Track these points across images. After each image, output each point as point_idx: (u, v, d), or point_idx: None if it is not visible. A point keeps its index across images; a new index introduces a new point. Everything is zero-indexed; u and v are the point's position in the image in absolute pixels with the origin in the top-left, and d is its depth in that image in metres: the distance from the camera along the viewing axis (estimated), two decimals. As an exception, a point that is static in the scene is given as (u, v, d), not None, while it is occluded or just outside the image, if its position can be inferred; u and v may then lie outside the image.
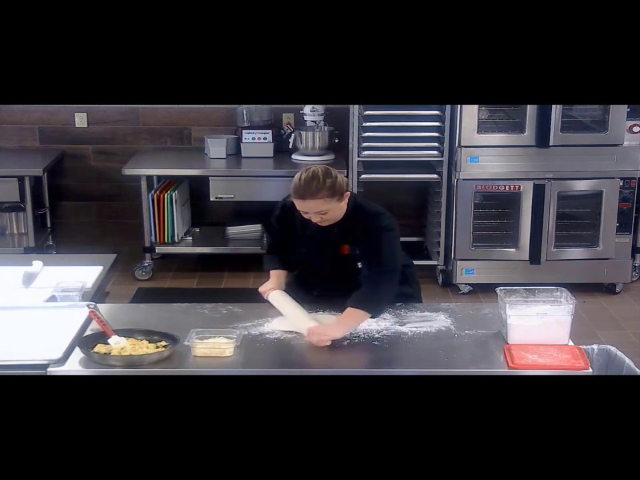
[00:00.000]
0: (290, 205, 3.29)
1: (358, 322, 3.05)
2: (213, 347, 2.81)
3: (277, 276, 3.39)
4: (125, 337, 2.85)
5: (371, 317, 3.09)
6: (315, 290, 3.40)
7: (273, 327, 3.06)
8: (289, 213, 3.33)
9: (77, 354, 2.78)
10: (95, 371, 2.70)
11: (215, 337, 2.86)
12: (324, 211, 3.13)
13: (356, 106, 5.45)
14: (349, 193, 3.20)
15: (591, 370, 2.72)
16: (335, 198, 3.12)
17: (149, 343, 2.85)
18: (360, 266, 3.23)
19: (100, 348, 2.80)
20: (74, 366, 2.73)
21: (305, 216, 3.18)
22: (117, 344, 2.80)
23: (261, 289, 3.34)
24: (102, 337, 2.85)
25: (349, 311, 3.05)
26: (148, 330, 2.92)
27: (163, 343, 2.84)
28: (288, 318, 3.09)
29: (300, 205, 3.15)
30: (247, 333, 2.98)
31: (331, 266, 3.33)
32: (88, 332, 2.93)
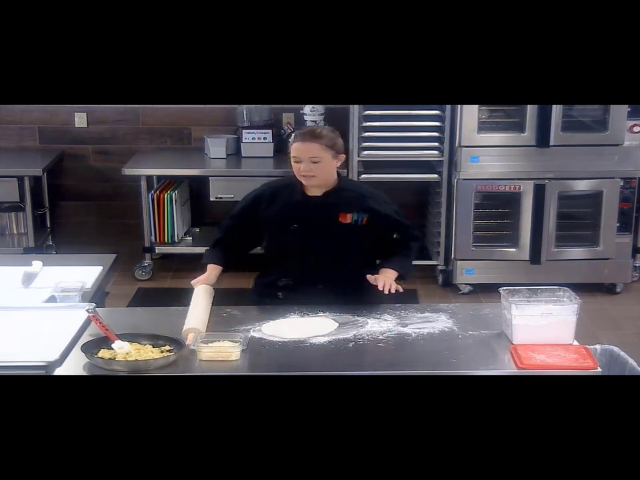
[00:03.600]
0: (262, 190, 3.44)
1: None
2: (220, 351, 2.78)
3: (213, 269, 3.39)
4: (128, 341, 2.81)
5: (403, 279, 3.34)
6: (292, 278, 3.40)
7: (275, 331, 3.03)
8: (267, 196, 3.40)
9: (78, 357, 2.75)
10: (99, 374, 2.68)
11: (219, 341, 2.83)
12: (317, 159, 3.24)
13: (356, 106, 5.44)
14: (344, 156, 3.37)
15: (600, 369, 2.71)
16: (332, 152, 3.28)
17: (153, 347, 2.80)
18: (395, 236, 3.45)
19: (104, 353, 2.75)
20: (76, 370, 2.70)
21: (295, 167, 3.28)
22: (121, 349, 2.77)
23: (193, 282, 3.33)
24: (104, 342, 2.81)
25: (387, 270, 3.29)
26: (151, 334, 2.88)
27: (167, 348, 2.80)
28: (192, 312, 3.07)
29: (298, 149, 3.27)
30: (250, 336, 2.96)
31: (329, 237, 3.35)
32: (88, 336, 2.91)
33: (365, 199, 3.39)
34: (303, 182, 3.32)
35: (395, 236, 3.45)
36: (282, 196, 3.40)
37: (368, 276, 3.23)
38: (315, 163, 3.25)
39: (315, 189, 3.35)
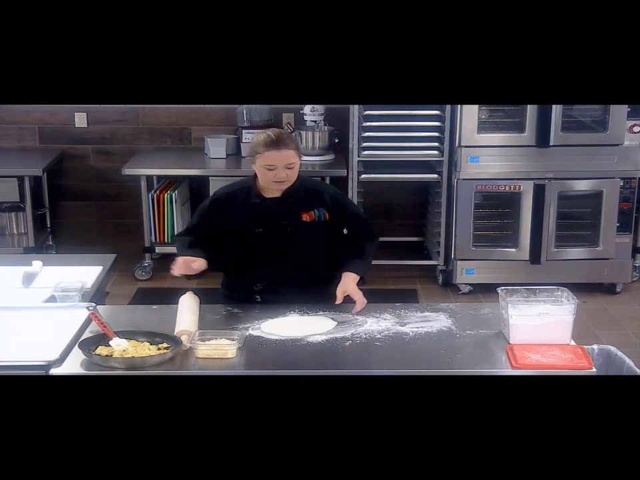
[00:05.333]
0: (221, 193, 3.39)
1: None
2: (216, 349, 2.79)
3: (198, 260, 3.27)
4: (126, 338, 2.83)
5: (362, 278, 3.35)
6: (264, 280, 3.36)
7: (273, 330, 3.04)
8: (227, 200, 3.36)
9: (77, 355, 2.77)
10: (96, 372, 2.68)
11: (216, 339, 2.84)
12: (292, 164, 3.24)
13: (356, 106, 5.45)
14: (301, 155, 3.38)
15: (594, 369, 2.71)
16: (299, 153, 3.30)
17: (151, 344, 2.82)
18: (345, 232, 3.44)
19: (101, 350, 2.77)
20: (74, 367, 2.71)
21: (268, 174, 3.23)
22: (119, 346, 2.78)
23: (183, 266, 3.22)
24: (103, 339, 2.83)
25: (350, 275, 3.28)
26: (149, 332, 2.90)
27: (165, 345, 2.82)
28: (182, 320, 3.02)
29: (274, 158, 3.21)
30: (247, 334, 2.97)
31: (294, 237, 3.34)
32: (88, 334, 2.92)
33: (323, 194, 3.39)
34: (274, 188, 3.28)
35: (345, 231, 3.44)
36: (238, 201, 3.35)
37: (338, 295, 3.21)
38: (290, 168, 3.23)
39: (273, 191, 3.32)
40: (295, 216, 3.33)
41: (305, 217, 3.33)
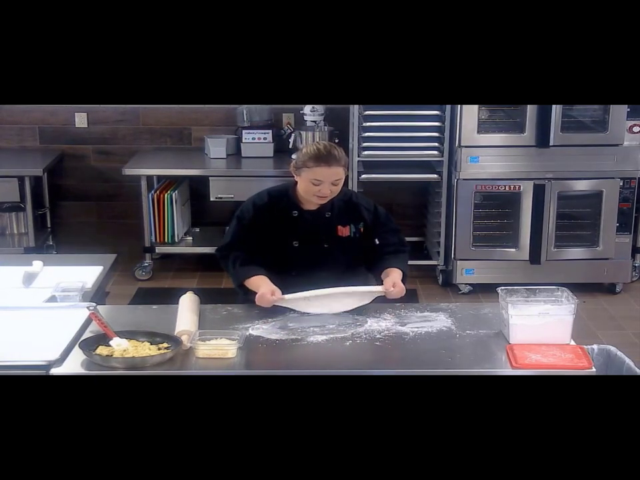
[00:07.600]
0: (262, 204, 3.32)
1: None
2: (216, 349, 2.79)
3: (263, 279, 3.22)
4: (126, 338, 2.83)
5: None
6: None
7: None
8: (267, 211, 3.31)
9: (77, 355, 2.77)
10: (97, 372, 2.69)
11: (216, 339, 2.85)
12: (339, 180, 3.22)
13: (356, 106, 5.45)
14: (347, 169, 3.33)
15: (594, 369, 2.72)
16: (346, 169, 3.27)
17: (151, 344, 2.82)
18: (377, 242, 3.38)
19: (102, 350, 2.77)
20: (74, 367, 2.71)
21: (313, 189, 3.20)
22: (119, 346, 2.78)
23: (266, 297, 3.11)
24: (103, 339, 2.83)
25: (393, 270, 3.26)
26: (149, 332, 2.90)
27: (165, 345, 2.82)
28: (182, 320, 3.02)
29: (323, 174, 3.18)
30: (247, 334, 2.97)
31: (329, 251, 3.32)
32: (88, 333, 2.93)
33: (358, 207, 3.36)
34: (315, 201, 3.26)
35: (376, 241, 3.38)
36: (278, 209, 3.32)
37: (387, 285, 3.17)
38: (335, 185, 3.22)
39: (311, 203, 3.30)
40: (332, 231, 3.32)
41: (341, 232, 3.32)
